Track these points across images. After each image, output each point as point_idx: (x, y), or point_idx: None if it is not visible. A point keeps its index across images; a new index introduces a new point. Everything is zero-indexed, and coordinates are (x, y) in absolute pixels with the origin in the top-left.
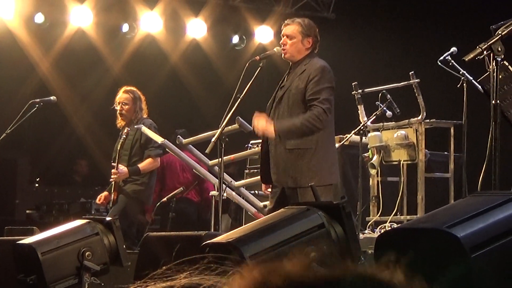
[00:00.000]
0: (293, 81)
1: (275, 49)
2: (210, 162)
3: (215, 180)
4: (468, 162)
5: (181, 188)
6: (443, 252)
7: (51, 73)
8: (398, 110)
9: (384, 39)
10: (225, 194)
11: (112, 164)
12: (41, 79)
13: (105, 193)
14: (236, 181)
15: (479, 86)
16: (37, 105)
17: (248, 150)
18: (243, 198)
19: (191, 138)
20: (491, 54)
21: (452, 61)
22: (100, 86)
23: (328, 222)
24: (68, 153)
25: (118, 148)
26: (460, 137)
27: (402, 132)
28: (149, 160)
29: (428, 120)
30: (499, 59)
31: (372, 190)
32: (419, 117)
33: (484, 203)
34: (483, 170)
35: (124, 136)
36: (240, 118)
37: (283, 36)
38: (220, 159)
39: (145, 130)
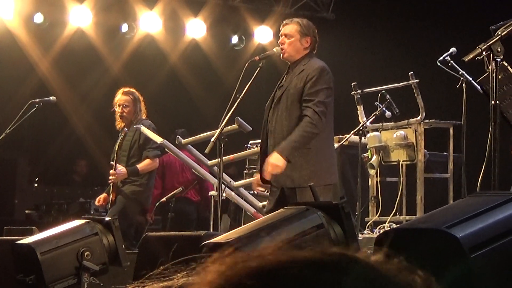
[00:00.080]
0: (292, 81)
1: (274, 49)
2: (210, 162)
3: (214, 180)
4: (467, 162)
5: (181, 188)
6: (442, 253)
7: (51, 73)
8: (398, 111)
9: (383, 39)
10: (224, 194)
11: (111, 163)
12: (40, 79)
13: (104, 194)
14: (235, 181)
15: (479, 87)
16: (36, 105)
17: (248, 150)
18: (242, 198)
19: (190, 138)
20: (491, 55)
21: (452, 61)
22: (100, 86)
23: (327, 222)
24: (67, 153)
25: (117, 149)
26: (459, 138)
27: (401, 132)
28: (147, 161)
29: (427, 121)
30: (499, 59)
31: (371, 190)
32: (419, 118)
33: (484, 203)
34: (482, 171)
35: (123, 136)
36: (239, 118)
37: (281, 36)
38: (219, 159)
39: (145, 130)
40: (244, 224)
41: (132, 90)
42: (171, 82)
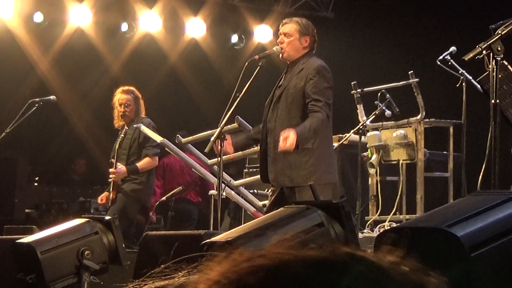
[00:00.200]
0: (291, 80)
1: (274, 48)
2: (210, 161)
3: (214, 180)
4: (468, 161)
5: (181, 187)
6: (442, 251)
7: (50, 72)
8: (397, 110)
9: (383, 39)
10: (224, 193)
11: (111, 161)
12: (40, 78)
13: (106, 193)
14: (235, 180)
15: (479, 86)
16: (36, 105)
17: (248, 150)
18: (242, 197)
19: (190, 137)
20: (491, 54)
21: (452, 60)
22: (99, 85)
23: (328, 221)
24: (67, 152)
25: (117, 147)
26: (459, 137)
27: (401, 131)
28: (147, 159)
29: (427, 120)
30: (499, 58)
31: (371, 190)
32: (418, 117)
33: (484, 202)
34: (482, 170)
35: (123, 135)
36: (239, 117)
37: (280, 35)
38: (219, 158)
39: (145, 129)
40: (244, 223)
41: (132, 88)
42: (171, 81)
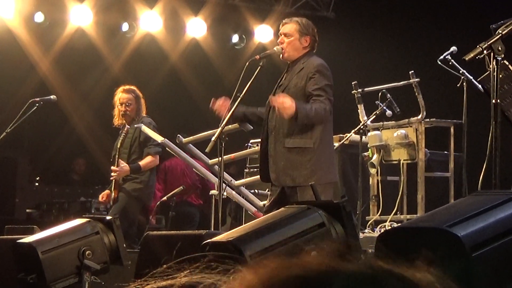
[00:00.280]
0: (292, 79)
1: (275, 48)
2: (210, 161)
3: (215, 179)
4: (468, 161)
5: (181, 187)
6: (443, 251)
7: (51, 72)
8: (398, 109)
9: (384, 38)
10: (225, 193)
11: (112, 159)
12: (41, 78)
13: (107, 191)
14: (236, 180)
15: (479, 86)
16: (37, 104)
17: (248, 149)
18: (243, 197)
19: (191, 137)
20: (491, 53)
21: (452, 60)
22: (100, 85)
23: (329, 221)
24: (68, 152)
25: (118, 146)
26: (460, 137)
27: (402, 131)
28: (148, 157)
29: (428, 119)
30: (499, 58)
31: (372, 189)
32: (419, 116)
33: (485, 202)
34: (483, 169)
35: (124, 134)
36: None
37: (280, 35)
38: (220, 158)
39: (145, 129)
40: (245, 223)
41: (133, 87)
42: (171, 81)
